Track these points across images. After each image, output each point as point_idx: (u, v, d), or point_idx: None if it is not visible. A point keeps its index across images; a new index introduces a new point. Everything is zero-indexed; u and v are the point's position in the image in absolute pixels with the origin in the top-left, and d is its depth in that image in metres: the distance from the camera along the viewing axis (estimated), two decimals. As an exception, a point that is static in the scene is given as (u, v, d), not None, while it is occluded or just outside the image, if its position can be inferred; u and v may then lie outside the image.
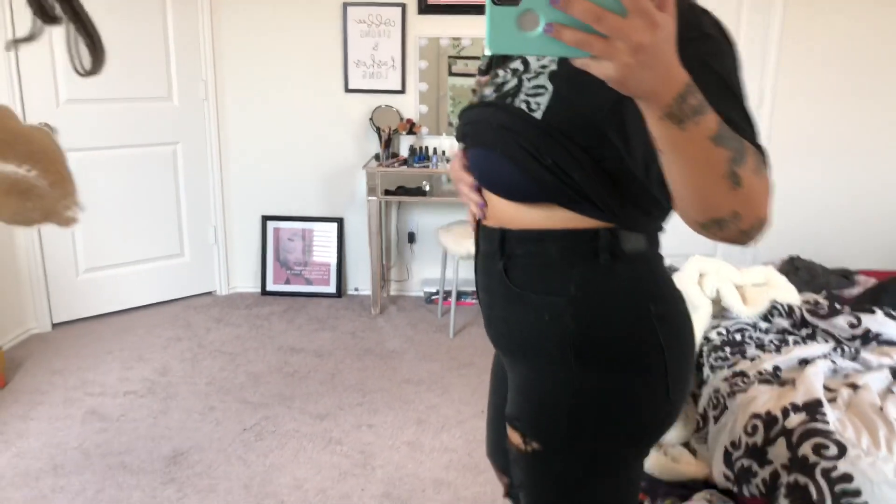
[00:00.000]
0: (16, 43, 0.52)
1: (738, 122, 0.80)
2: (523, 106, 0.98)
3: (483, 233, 1.12)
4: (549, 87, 0.97)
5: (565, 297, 1.01)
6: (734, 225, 0.78)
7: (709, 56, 0.82)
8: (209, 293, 4.10)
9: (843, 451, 1.49)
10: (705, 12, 0.88)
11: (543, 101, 0.97)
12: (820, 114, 3.83)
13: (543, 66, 0.99)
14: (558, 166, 0.96)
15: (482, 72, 1.17)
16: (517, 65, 1.04)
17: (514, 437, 1.09)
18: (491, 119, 1.03)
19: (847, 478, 1.45)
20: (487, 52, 0.67)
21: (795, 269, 2.59)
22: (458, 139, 1.15)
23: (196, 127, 3.84)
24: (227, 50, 3.82)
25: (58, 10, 0.50)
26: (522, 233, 1.04)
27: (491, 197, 1.09)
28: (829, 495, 1.46)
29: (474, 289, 3.91)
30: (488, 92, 1.08)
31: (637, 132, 0.83)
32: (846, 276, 2.61)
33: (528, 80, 0.99)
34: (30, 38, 0.49)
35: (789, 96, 3.81)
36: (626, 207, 0.98)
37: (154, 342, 3.44)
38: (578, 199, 0.98)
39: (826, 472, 1.48)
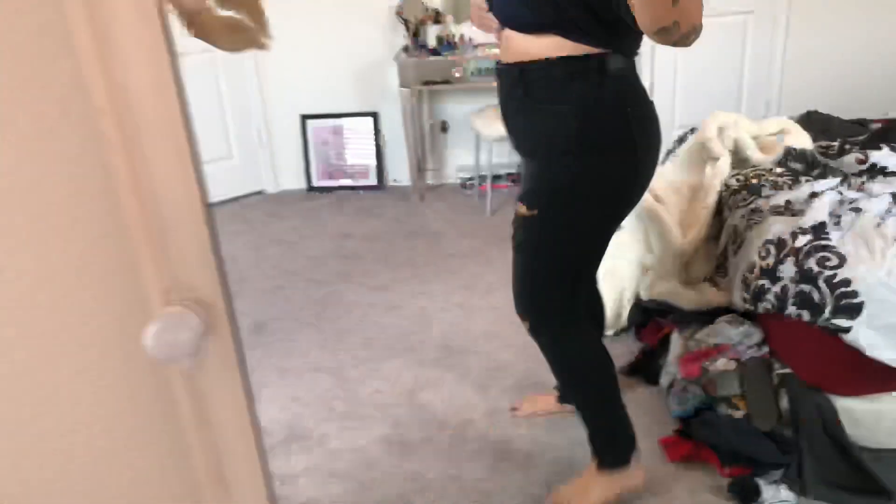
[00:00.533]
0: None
1: None
2: None
3: (503, 72, 1.49)
4: None
5: (568, 104, 1.38)
6: (676, 31, 1.12)
7: None
8: (259, 192, 4.37)
9: (842, 260, 1.72)
10: None
11: None
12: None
13: None
14: (556, 3, 1.30)
15: None
16: None
17: (521, 209, 1.51)
18: None
19: (846, 282, 1.69)
20: None
21: (811, 122, 2.74)
22: None
23: (231, 33, 4.00)
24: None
25: None
26: (534, 62, 1.39)
27: (510, 36, 1.43)
28: (830, 297, 1.70)
29: (508, 171, 4.14)
30: None
31: None
32: (861, 125, 2.76)
33: None
34: None
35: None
36: (604, 32, 1.32)
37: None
38: (572, 29, 1.32)
39: (828, 280, 1.72)
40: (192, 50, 3.86)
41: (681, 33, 1.12)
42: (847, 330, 1.70)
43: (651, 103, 1.46)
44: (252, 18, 0.66)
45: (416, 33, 3.89)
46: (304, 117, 4.29)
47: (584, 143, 1.39)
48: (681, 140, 2.81)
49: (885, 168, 2.10)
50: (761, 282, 1.88)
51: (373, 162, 4.32)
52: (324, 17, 4.03)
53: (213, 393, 0.84)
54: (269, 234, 3.75)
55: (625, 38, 1.35)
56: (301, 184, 4.40)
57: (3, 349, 0.81)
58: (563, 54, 1.35)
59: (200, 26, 0.66)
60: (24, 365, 0.82)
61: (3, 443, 0.84)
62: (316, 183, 4.37)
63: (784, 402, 1.86)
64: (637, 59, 1.44)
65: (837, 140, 2.43)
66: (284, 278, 3.22)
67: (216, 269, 0.76)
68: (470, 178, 4.24)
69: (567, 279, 1.57)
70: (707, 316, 2.13)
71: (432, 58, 3.82)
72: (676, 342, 2.15)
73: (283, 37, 4.34)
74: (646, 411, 2.13)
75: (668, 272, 2.28)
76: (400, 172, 4.37)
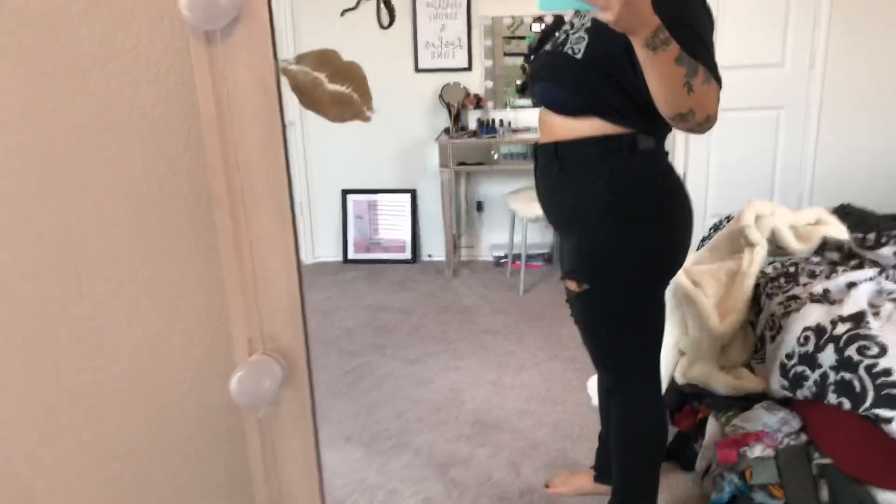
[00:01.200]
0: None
1: (701, 53, 1.26)
2: (570, 51, 1.47)
3: (541, 150, 1.60)
4: (586, 37, 1.45)
5: (602, 180, 1.48)
6: (692, 118, 1.25)
7: (683, 12, 1.28)
8: (296, 263, 4.47)
9: (884, 350, 1.73)
10: None
11: (582, 46, 1.45)
12: (870, 73, 3.96)
13: (582, 24, 1.48)
14: (595, 88, 1.44)
15: (527, 57, 1.75)
16: (567, 27, 1.55)
17: (571, 285, 1.58)
18: (550, 62, 1.54)
19: (887, 372, 1.70)
20: (538, 9, 1.11)
21: (846, 214, 2.78)
22: (530, 80, 1.65)
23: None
24: (306, 41, 4.16)
25: None
26: (570, 142, 1.51)
27: (547, 118, 1.56)
28: (872, 387, 1.70)
29: (541, 251, 4.21)
30: (548, 47, 1.58)
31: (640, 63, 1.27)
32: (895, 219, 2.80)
33: (573, 35, 1.49)
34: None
35: (838, 57, 3.95)
36: (638, 116, 1.43)
37: (254, 305, 3.83)
38: (608, 111, 1.45)
39: (869, 369, 1.72)
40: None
41: (696, 121, 1.25)
42: (889, 420, 1.69)
43: (680, 179, 1.56)
44: (358, 93, 0.73)
45: (457, 116, 4.05)
46: (345, 191, 4.43)
47: (618, 214, 1.48)
48: (716, 227, 2.86)
49: (922, 262, 2.13)
50: (800, 368, 1.89)
51: (408, 237, 4.42)
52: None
53: (285, 442, 0.88)
54: (306, 303, 3.81)
55: (654, 120, 1.44)
56: (338, 255, 4.50)
57: (98, 381, 0.87)
58: (599, 134, 1.47)
59: (312, 99, 0.74)
60: (111, 401, 0.88)
61: (93, 472, 0.88)
62: (352, 255, 4.46)
63: (824, 493, 1.83)
64: (666, 141, 1.55)
65: (873, 232, 2.46)
66: (319, 348, 3.26)
67: (301, 323, 0.81)
68: (503, 256, 4.31)
69: (635, 346, 1.65)
70: (743, 401, 2.12)
71: (471, 140, 3.97)
72: (713, 427, 2.14)
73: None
74: (681, 496, 2.11)
75: (705, 356, 2.29)
76: (435, 248, 4.46)
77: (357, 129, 4.30)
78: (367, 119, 0.76)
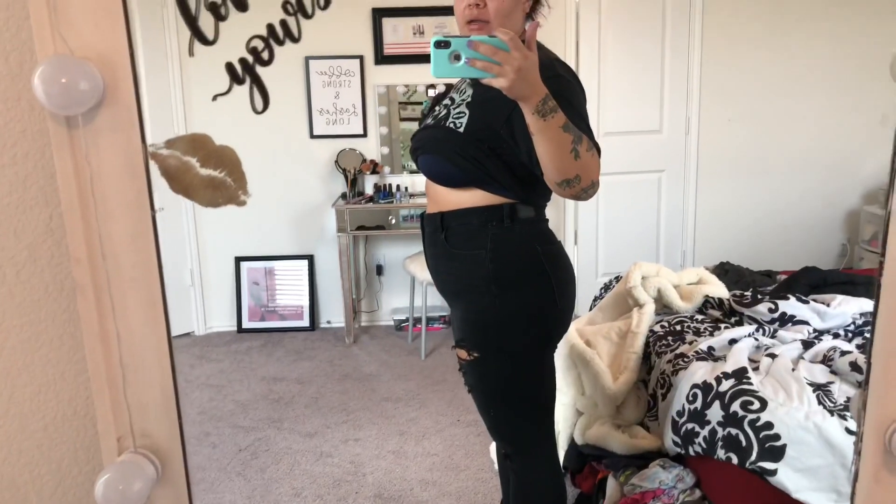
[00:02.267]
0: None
1: (580, 125, 1.32)
2: (451, 125, 1.52)
3: (427, 220, 1.64)
4: (467, 111, 1.51)
5: (484, 249, 1.51)
6: (577, 184, 1.30)
7: (562, 89, 1.33)
8: (187, 334, 4.28)
9: (764, 404, 1.81)
10: (557, 59, 1.47)
11: (464, 120, 1.50)
12: (741, 138, 4.29)
13: (462, 100, 1.54)
14: (476, 160, 1.49)
15: (424, 115, 1.72)
16: (447, 101, 1.60)
17: (462, 353, 1.59)
18: (432, 135, 1.58)
19: (768, 425, 1.78)
20: (433, 76, 1.13)
21: (725, 272, 2.95)
22: (412, 153, 1.65)
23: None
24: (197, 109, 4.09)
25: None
26: (454, 212, 1.55)
27: (431, 189, 1.60)
28: (756, 441, 1.78)
29: (441, 314, 4.21)
30: (430, 121, 1.62)
31: (522, 135, 1.35)
32: (769, 276, 2.99)
33: (454, 109, 1.54)
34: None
35: (710, 123, 4.26)
36: (519, 186, 1.50)
37: (141, 381, 3.61)
38: (489, 181, 1.49)
39: (752, 423, 1.80)
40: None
41: (581, 186, 1.31)
42: (773, 472, 1.76)
43: (559, 243, 1.61)
44: (232, 177, 0.71)
45: (353, 181, 4.05)
46: (239, 259, 4.31)
47: (501, 282, 1.52)
48: (606, 287, 2.96)
49: (793, 317, 2.27)
50: (690, 425, 1.95)
51: (307, 303, 4.33)
52: (265, 164, 4.16)
53: (159, 546, 0.81)
54: (196, 377, 3.64)
55: (533, 190, 1.52)
56: (231, 325, 4.34)
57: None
58: (481, 205, 1.52)
59: (183, 184, 0.71)
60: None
61: None
62: (246, 325, 4.32)
63: (720, 548, 1.87)
64: (555, 205, 1.61)
65: (750, 290, 2.61)
66: (211, 424, 3.10)
67: (176, 417, 0.76)
68: (405, 320, 4.29)
69: (527, 410, 1.66)
70: (640, 460, 2.16)
71: (369, 205, 3.97)
72: (612, 487, 2.16)
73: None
74: (585, 561, 2.10)
75: (602, 415, 2.33)
76: (334, 314, 4.38)
77: (252, 196, 4.21)
78: (242, 203, 0.73)
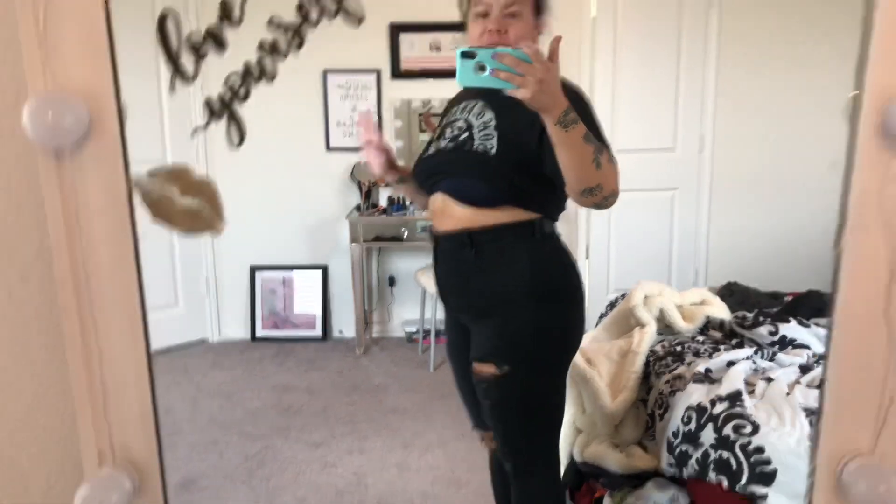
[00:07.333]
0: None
1: (599, 136, 1.38)
2: (480, 148, 1.54)
3: (445, 238, 1.62)
4: (495, 133, 1.54)
5: (521, 263, 1.54)
6: (599, 192, 1.35)
7: (577, 102, 1.36)
8: (202, 341, 4.35)
9: (756, 428, 1.82)
10: (567, 83, 1.43)
11: (493, 143, 1.53)
12: (755, 157, 4.27)
13: (485, 123, 1.56)
14: (511, 180, 1.52)
15: (432, 140, 1.72)
16: (461, 124, 1.61)
17: (487, 368, 1.58)
18: (460, 158, 1.58)
19: (760, 449, 1.78)
20: (458, 84, 1.18)
21: (731, 293, 2.95)
22: (428, 176, 1.65)
23: (189, 186, 4.15)
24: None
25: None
26: (486, 229, 1.55)
27: (449, 208, 1.59)
28: (746, 464, 1.79)
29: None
30: (443, 144, 1.63)
31: (549, 153, 1.36)
32: (775, 297, 2.98)
33: (479, 132, 1.56)
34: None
35: (724, 141, 4.26)
36: (545, 202, 1.55)
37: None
38: (524, 200, 1.53)
39: (743, 447, 1.81)
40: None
41: (602, 195, 1.36)
42: (764, 497, 1.76)
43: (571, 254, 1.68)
44: (210, 206, 0.76)
45: (367, 193, 4.11)
46: (254, 268, 4.38)
47: (538, 295, 1.56)
48: (612, 305, 2.97)
49: (793, 340, 2.27)
50: (684, 447, 1.96)
51: (319, 313, 4.39)
52: (281, 176, 4.23)
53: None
54: (208, 384, 3.71)
55: (555, 205, 1.58)
56: (245, 333, 4.41)
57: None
58: (512, 221, 1.54)
59: (162, 212, 0.75)
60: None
61: None
62: (260, 333, 4.38)
63: (712, 571, 1.87)
64: (570, 221, 1.66)
65: (753, 311, 2.61)
66: (219, 432, 3.16)
67: (154, 433, 0.81)
68: (415, 332, 4.32)
69: (550, 427, 1.70)
70: (637, 479, 2.17)
71: (383, 216, 4.02)
72: (608, 506, 2.18)
73: (240, 192, 4.50)
74: (579, 579, 2.12)
75: (600, 434, 2.34)
76: (346, 325, 4.43)
77: (267, 207, 4.29)
78: (219, 231, 0.78)
